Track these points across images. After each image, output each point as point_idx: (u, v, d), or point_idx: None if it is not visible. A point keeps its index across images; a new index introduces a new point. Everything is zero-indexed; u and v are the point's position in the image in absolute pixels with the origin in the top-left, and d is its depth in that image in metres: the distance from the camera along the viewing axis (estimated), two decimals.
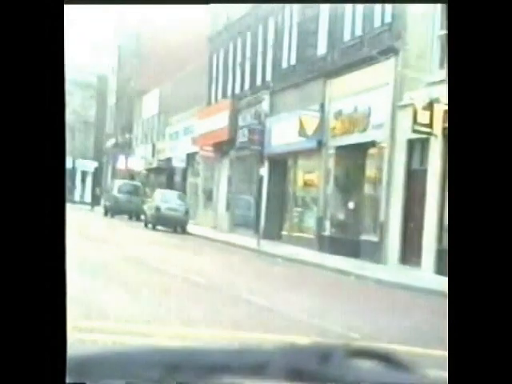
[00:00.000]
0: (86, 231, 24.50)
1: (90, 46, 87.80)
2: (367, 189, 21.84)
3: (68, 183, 72.60)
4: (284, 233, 27.07)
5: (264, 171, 27.57)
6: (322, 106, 23.91)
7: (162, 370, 1.28)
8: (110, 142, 62.90)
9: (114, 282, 10.95)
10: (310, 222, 25.14)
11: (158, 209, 31.68)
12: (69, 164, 72.48)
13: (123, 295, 9.66)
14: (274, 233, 27.01)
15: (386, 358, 1.34)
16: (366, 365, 1.33)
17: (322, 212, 23.80)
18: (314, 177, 25.22)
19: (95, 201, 56.08)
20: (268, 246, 23.61)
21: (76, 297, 8.35)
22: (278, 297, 11.08)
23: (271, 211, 27.85)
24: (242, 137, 30.11)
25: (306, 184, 26.08)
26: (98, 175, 69.15)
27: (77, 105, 74.11)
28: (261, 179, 27.86)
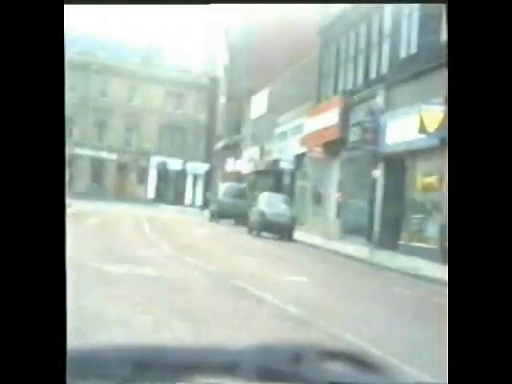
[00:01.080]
0: (182, 238, 22.42)
1: (202, 47, 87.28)
2: None
3: (179, 186, 72.01)
4: (401, 242, 24.21)
5: (378, 173, 24.87)
6: (447, 99, 20.95)
7: (132, 368, 1.26)
8: (220, 144, 61.31)
9: (177, 308, 8.53)
10: (432, 230, 22.18)
11: (262, 214, 29.32)
12: (179, 166, 72.01)
13: (183, 328, 7.24)
14: (389, 242, 24.22)
15: (357, 360, 1.33)
16: (337, 366, 1.30)
17: (446, 220, 20.84)
18: (435, 179, 22.27)
19: (206, 204, 54.95)
20: (383, 256, 20.92)
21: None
22: (391, 336, 8.39)
23: (386, 218, 25.04)
24: (354, 136, 27.42)
25: (427, 187, 23.13)
26: (208, 178, 67.98)
27: (189, 107, 73.29)
28: (375, 182, 25.12)
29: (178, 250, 17.52)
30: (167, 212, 48.96)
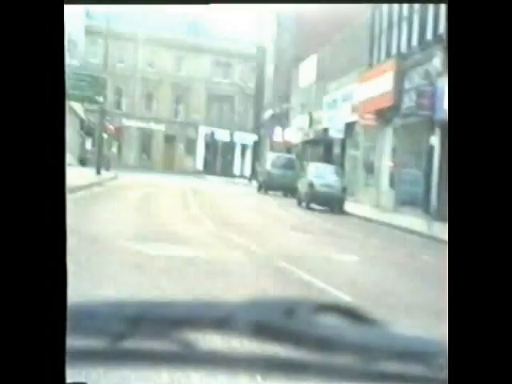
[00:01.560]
0: (227, 213, 21.27)
1: (249, 16, 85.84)
2: None
3: (227, 157, 70.93)
4: None
5: (435, 140, 23.32)
6: None
7: (123, 322, 1.27)
8: (268, 114, 59.97)
9: (213, 297, 7.32)
10: None
11: (311, 185, 28.00)
12: (227, 137, 70.89)
13: None
14: (447, 213, 22.75)
15: (351, 314, 1.34)
16: (331, 320, 1.30)
17: None
18: None
19: (254, 175, 54.22)
20: (441, 229, 19.49)
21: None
22: None
23: (444, 187, 23.53)
24: (409, 101, 25.83)
25: None
26: (257, 148, 66.84)
27: (237, 77, 72.02)
28: (431, 150, 23.58)
29: (221, 226, 16.35)
30: (215, 183, 48.04)
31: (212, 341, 1.26)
